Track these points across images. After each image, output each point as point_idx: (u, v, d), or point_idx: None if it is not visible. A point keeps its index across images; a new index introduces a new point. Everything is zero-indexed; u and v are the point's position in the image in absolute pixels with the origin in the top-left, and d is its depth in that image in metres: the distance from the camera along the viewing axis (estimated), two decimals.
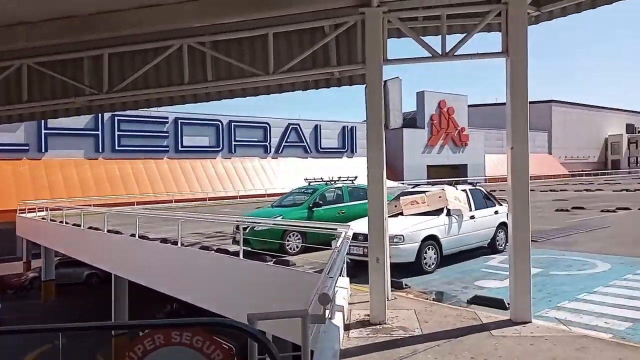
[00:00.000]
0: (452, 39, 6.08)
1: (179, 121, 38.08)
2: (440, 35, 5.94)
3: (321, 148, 46.56)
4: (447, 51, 5.85)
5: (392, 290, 7.08)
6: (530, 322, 5.54)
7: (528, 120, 5.62)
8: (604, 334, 5.39)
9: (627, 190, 32.78)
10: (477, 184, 11.27)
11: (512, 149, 5.64)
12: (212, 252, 11.51)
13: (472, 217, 10.00)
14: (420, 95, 51.88)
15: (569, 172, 63.12)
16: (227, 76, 6.47)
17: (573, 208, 21.06)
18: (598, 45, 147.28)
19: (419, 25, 6.21)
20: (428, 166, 51.21)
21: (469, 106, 54.57)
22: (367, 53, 5.75)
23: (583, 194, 31.42)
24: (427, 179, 45.25)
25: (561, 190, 36.19)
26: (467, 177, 48.17)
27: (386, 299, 6.11)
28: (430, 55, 5.91)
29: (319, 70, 6.42)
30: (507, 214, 5.97)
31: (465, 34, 5.92)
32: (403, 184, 36.02)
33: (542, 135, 64.62)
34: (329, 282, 3.34)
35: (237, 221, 10.68)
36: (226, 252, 11.19)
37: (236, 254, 9.69)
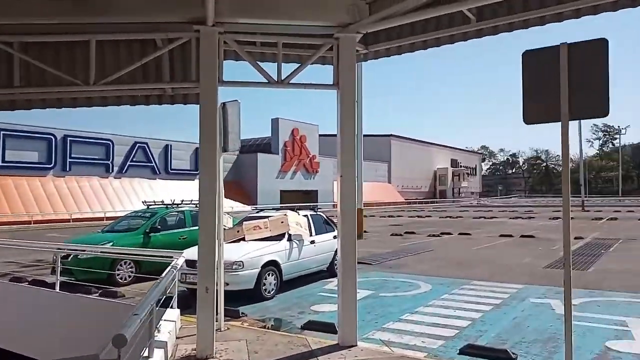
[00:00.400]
0: (291, 67, 6.21)
1: (1, 132, 33.18)
2: (277, 63, 6.00)
3: (171, 169, 44.50)
4: (282, 79, 5.91)
5: (226, 320, 6.79)
6: (356, 345, 5.71)
7: (356, 150, 5.90)
8: (420, 352, 5.78)
9: (450, 217, 37.20)
10: (318, 209, 11.62)
11: (341, 177, 5.84)
12: (25, 284, 9.99)
13: (312, 242, 10.23)
14: (274, 122, 53.05)
15: (405, 199, 69.76)
16: (39, 83, 5.67)
17: (406, 233, 23.05)
18: (434, 86, 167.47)
19: (257, 51, 6.21)
20: (281, 191, 52.18)
21: (320, 135, 57.37)
22: (202, 72, 5.52)
23: (415, 219, 34.78)
24: (281, 203, 46.03)
25: (398, 216, 39.65)
26: (317, 202, 50.15)
27: (215, 330, 5.79)
28: (267, 81, 5.91)
29: (150, 85, 5.99)
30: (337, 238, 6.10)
31: (300, 64, 6.06)
32: (255, 208, 35.98)
33: (383, 165, 70.59)
34: (131, 321, 2.96)
35: (57, 248, 9.39)
36: (43, 283, 9.80)
37: (54, 285, 8.49)
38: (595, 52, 4.13)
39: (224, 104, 6.59)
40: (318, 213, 11.29)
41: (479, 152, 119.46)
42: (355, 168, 5.89)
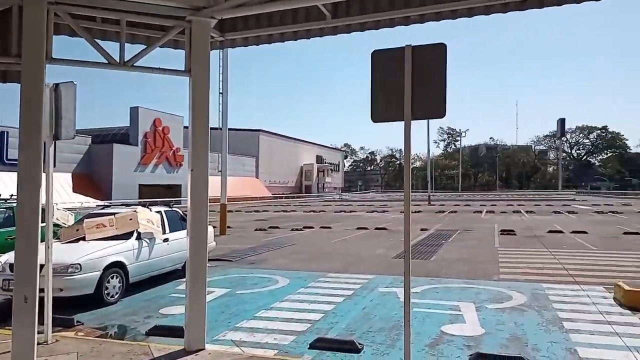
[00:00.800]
0: (140, 49, 5.65)
1: None
2: (120, 42, 5.41)
3: (7, 159, 38.91)
4: (125, 60, 5.34)
5: (56, 331, 6.00)
6: (204, 349, 5.41)
7: (209, 142, 5.56)
8: (271, 350, 5.68)
9: (314, 211, 38.37)
10: (174, 205, 10.95)
11: (192, 171, 5.47)
12: None
13: (165, 240, 9.60)
14: (134, 111, 49.37)
15: (272, 194, 70.33)
16: None
17: (270, 227, 23.12)
18: (302, 83, 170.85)
19: (97, 27, 5.53)
20: (141, 185, 48.85)
21: (185, 127, 54.93)
22: (24, 47, 4.71)
23: (281, 214, 35.18)
24: (139, 198, 43.18)
25: (264, 210, 39.76)
26: (181, 197, 48.07)
27: (40, 344, 5.05)
28: (107, 62, 5.29)
29: None
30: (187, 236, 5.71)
31: (147, 46, 5.54)
32: (102, 204, 33.12)
33: (250, 160, 70.27)
34: None
35: None
36: None
37: None
38: (435, 56, 4.38)
39: (56, 85, 5.79)
40: (173, 209, 10.66)
41: (342, 149, 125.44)
42: (208, 162, 5.56)
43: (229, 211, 29.89)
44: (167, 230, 9.83)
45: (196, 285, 5.47)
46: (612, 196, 69.89)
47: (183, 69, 5.60)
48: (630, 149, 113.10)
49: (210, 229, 11.74)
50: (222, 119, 20.13)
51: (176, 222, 10.27)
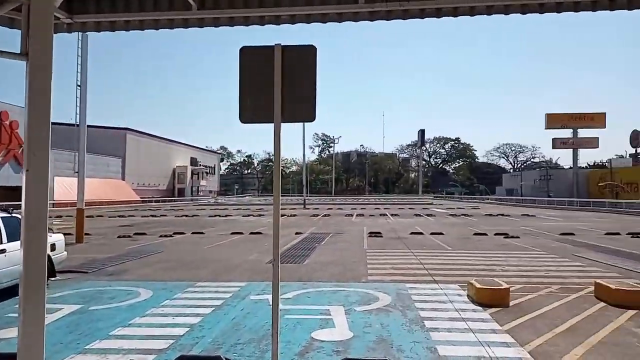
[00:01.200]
0: None
1: None
2: None
3: None
4: None
5: None
6: None
7: (49, 138, 4.77)
8: None
9: (186, 216, 36.76)
10: (14, 211, 9.48)
11: (27, 171, 4.65)
12: None
13: (2, 252, 8.25)
14: None
15: (141, 198, 66.03)
16: None
17: (135, 234, 21.48)
18: (177, 83, 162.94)
19: None
20: None
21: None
22: None
23: (149, 219, 33.04)
24: None
25: (130, 216, 37.03)
26: None
27: None
28: None
29: None
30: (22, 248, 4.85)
31: None
32: None
33: (116, 160, 65.27)
34: None
35: None
36: None
37: None
38: (305, 57, 4.26)
39: None
40: (14, 215, 9.21)
41: (218, 152, 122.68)
42: (48, 162, 4.78)
43: (89, 216, 27.31)
44: (5, 239, 8.48)
45: (32, 301, 4.60)
46: (464, 200, 78.25)
47: (19, 51, 4.76)
48: (478, 159, 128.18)
49: (59, 237, 10.44)
50: (79, 114, 18.16)
51: (17, 231, 8.87)
